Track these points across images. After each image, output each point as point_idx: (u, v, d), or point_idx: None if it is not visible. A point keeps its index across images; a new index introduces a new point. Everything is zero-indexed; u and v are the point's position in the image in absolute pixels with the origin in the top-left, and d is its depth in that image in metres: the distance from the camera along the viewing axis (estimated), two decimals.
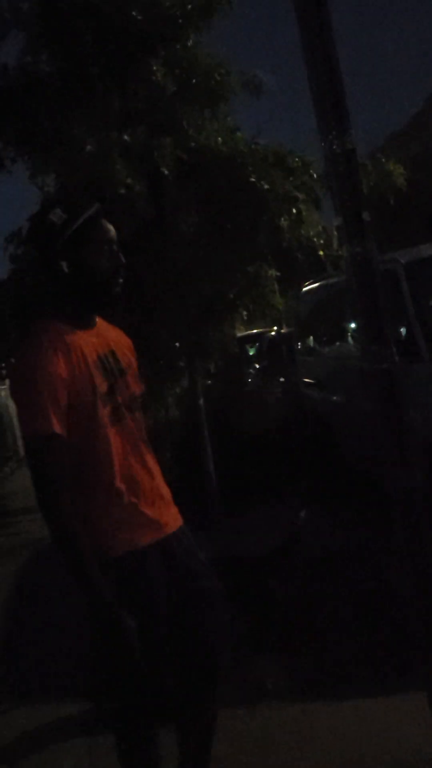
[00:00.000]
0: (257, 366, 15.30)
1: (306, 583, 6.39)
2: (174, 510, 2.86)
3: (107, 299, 2.71)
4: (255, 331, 16.51)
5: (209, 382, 7.11)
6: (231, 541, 7.05)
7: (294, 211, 5.57)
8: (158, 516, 2.77)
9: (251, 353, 16.52)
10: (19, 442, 17.66)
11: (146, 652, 2.59)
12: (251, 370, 14.95)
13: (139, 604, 2.61)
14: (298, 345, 11.00)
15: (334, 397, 9.51)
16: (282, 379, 12.41)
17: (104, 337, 2.77)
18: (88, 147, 5.31)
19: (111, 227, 2.68)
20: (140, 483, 2.74)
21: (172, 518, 2.83)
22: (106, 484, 2.68)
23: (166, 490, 2.85)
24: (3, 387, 18.41)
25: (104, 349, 2.72)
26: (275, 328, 14.83)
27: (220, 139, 5.74)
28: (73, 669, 5.64)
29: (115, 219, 3.07)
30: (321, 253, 5.82)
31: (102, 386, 2.65)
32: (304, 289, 10.55)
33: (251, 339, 16.46)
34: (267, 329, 16.21)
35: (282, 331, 14.43)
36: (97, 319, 2.79)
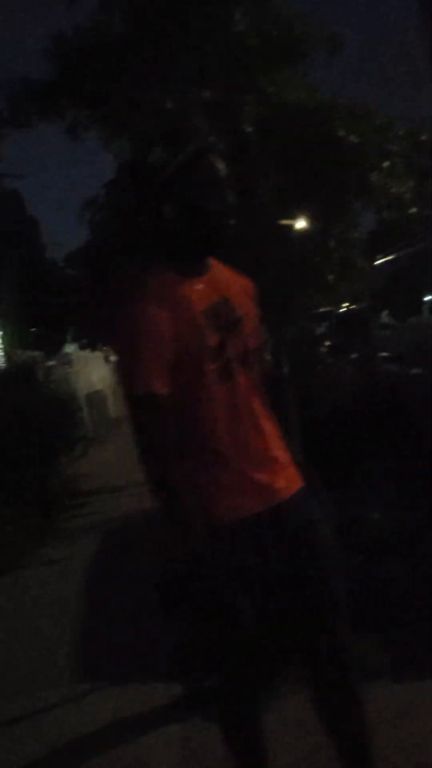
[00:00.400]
0: (327, 344, 14.99)
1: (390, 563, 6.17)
2: (291, 473, 2.61)
3: (216, 244, 2.47)
4: (322, 310, 16.20)
5: None
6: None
7: (386, 164, 5.27)
8: (270, 481, 2.52)
9: (320, 332, 16.20)
10: (90, 423, 17.60)
11: (243, 619, 2.45)
12: (322, 349, 14.66)
13: (242, 573, 2.43)
14: (374, 319, 10.70)
15: (415, 371, 9.20)
16: (354, 356, 12.08)
17: (217, 284, 2.52)
18: (168, 105, 5.06)
19: (221, 164, 2.44)
20: (250, 446, 2.49)
21: (287, 482, 2.58)
22: (211, 448, 2.45)
23: (282, 453, 2.60)
24: (71, 370, 18.37)
25: (216, 298, 2.48)
26: (345, 304, 14.49)
27: (302, 95, 5.46)
28: (159, 651, 5.50)
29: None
30: (412, 211, 5.50)
31: (211, 340, 2.41)
32: (379, 261, 10.25)
33: (320, 317, 16.13)
34: (334, 308, 15.89)
35: (352, 306, 14.14)
36: (211, 262, 2.54)
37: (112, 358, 26.47)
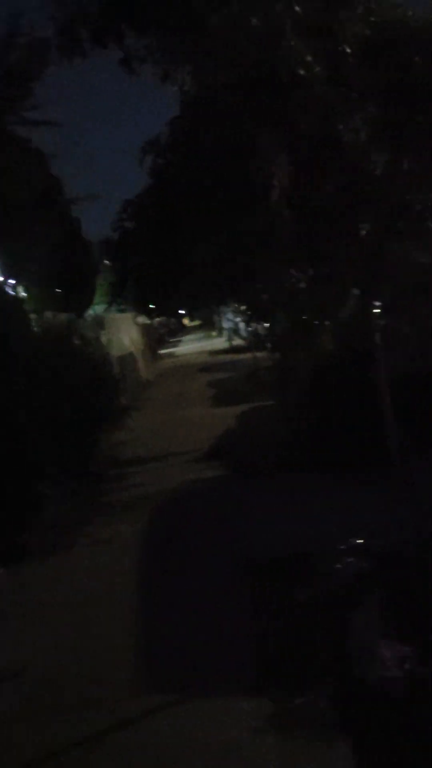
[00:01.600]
0: None
1: None
2: None
3: None
4: None
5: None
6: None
7: None
8: None
9: None
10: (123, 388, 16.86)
11: None
12: None
13: None
14: None
15: None
16: None
17: None
18: (254, 21, 4.28)
19: None
20: None
21: None
22: None
23: None
24: (102, 332, 17.57)
25: None
26: None
27: (410, 12, 4.66)
28: (242, 659, 4.86)
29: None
30: None
31: None
32: None
33: None
34: None
35: None
36: None
37: (140, 320, 25.64)
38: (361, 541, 6.29)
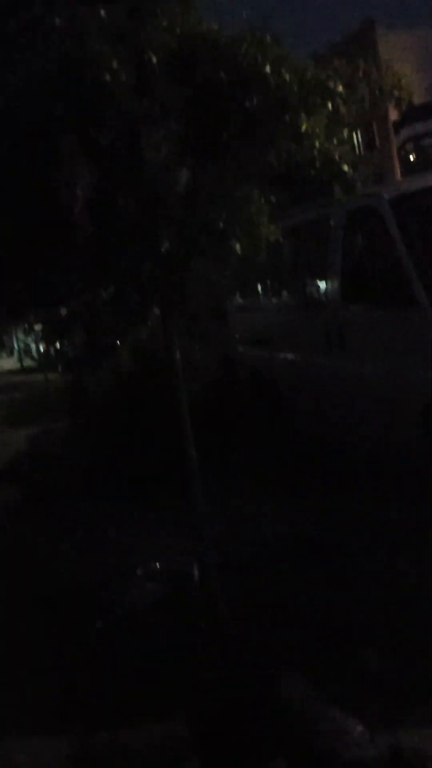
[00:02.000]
0: None
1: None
2: None
3: None
4: None
5: None
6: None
7: (330, 106, 4.48)
8: None
9: None
10: None
11: None
12: None
13: None
14: (234, 298, 9.96)
15: (287, 356, 8.54)
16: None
17: None
18: (57, 21, 4.09)
19: None
20: None
21: None
22: None
23: None
24: None
25: None
26: None
27: (215, 26, 4.60)
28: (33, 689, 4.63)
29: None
30: (345, 168, 4.73)
31: None
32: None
33: None
34: None
35: None
36: None
37: None
38: (158, 565, 6.20)
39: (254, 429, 9.01)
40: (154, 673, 4.76)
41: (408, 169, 9.99)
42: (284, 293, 8.92)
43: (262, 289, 9.41)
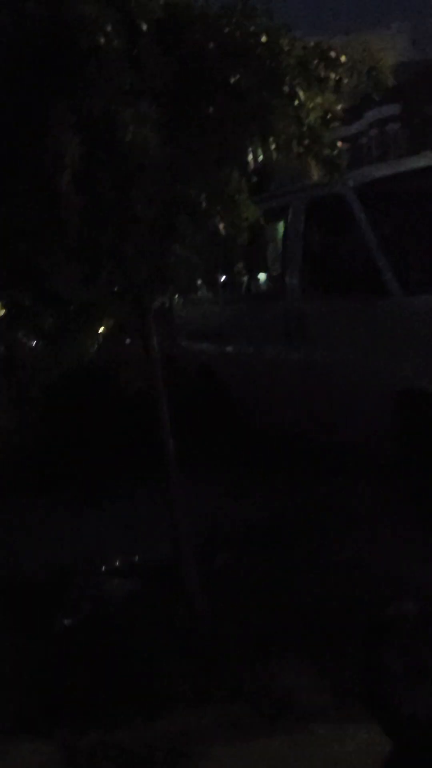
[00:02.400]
0: None
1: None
2: None
3: None
4: None
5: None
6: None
7: (333, 76, 4.35)
8: None
9: None
10: None
11: None
12: None
13: None
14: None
15: (241, 349, 8.40)
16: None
17: None
18: None
19: None
20: None
21: None
22: None
23: None
24: None
25: None
26: None
27: None
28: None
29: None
30: (335, 149, 4.60)
31: None
32: None
33: None
34: None
35: None
36: None
37: None
38: (125, 560, 6.01)
39: (202, 424, 8.85)
40: (128, 671, 4.57)
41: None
42: (239, 283, 8.77)
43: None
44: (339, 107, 4.55)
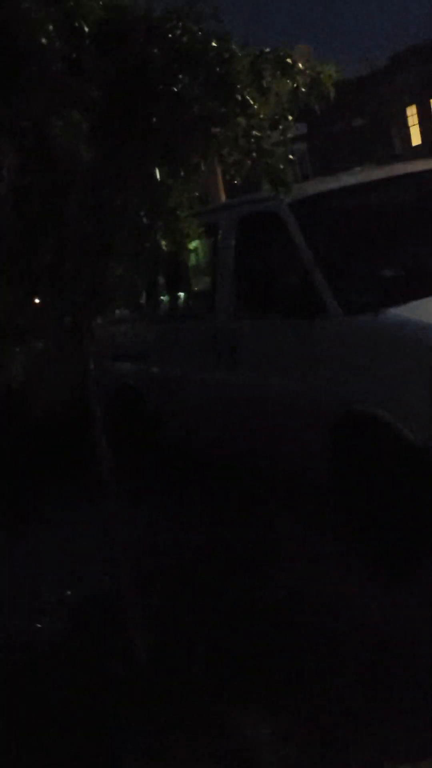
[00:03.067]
0: None
1: None
2: None
3: None
4: None
5: None
6: None
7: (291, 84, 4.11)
8: None
9: None
10: None
11: None
12: None
13: None
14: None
15: (166, 371, 8.10)
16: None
17: None
18: None
19: None
20: None
21: None
22: None
23: None
24: None
25: None
26: None
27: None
28: None
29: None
30: (286, 163, 4.36)
31: None
32: None
33: None
34: None
35: None
36: None
37: None
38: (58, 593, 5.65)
39: (126, 447, 8.50)
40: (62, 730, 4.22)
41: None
42: (165, 302, 8.48)
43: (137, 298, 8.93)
44: (290, 118, 4.31)
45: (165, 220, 4.49)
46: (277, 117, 4.27)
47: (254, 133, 4.24)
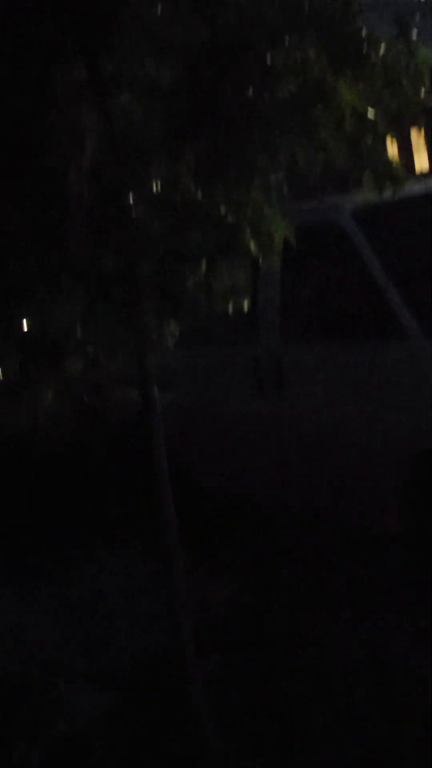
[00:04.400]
0: None
1: None
2: None
3: None
4: None
5: None
6: None
7: None
8: None
9: None
10: None
11: None
12: None
13: None
14: None
15: (194, 402, 7.30)
16: None
17: None
18: None
19: None
20: None
21: None
22: None
23: None
24: None
25: None
26: None
27: None
28: None
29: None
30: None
31: None
32: None
33: None
34: None
35: None
36: None
37: None
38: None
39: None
40: None
41: None
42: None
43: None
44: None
45: (250, 220, 3.79)
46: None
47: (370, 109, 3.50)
